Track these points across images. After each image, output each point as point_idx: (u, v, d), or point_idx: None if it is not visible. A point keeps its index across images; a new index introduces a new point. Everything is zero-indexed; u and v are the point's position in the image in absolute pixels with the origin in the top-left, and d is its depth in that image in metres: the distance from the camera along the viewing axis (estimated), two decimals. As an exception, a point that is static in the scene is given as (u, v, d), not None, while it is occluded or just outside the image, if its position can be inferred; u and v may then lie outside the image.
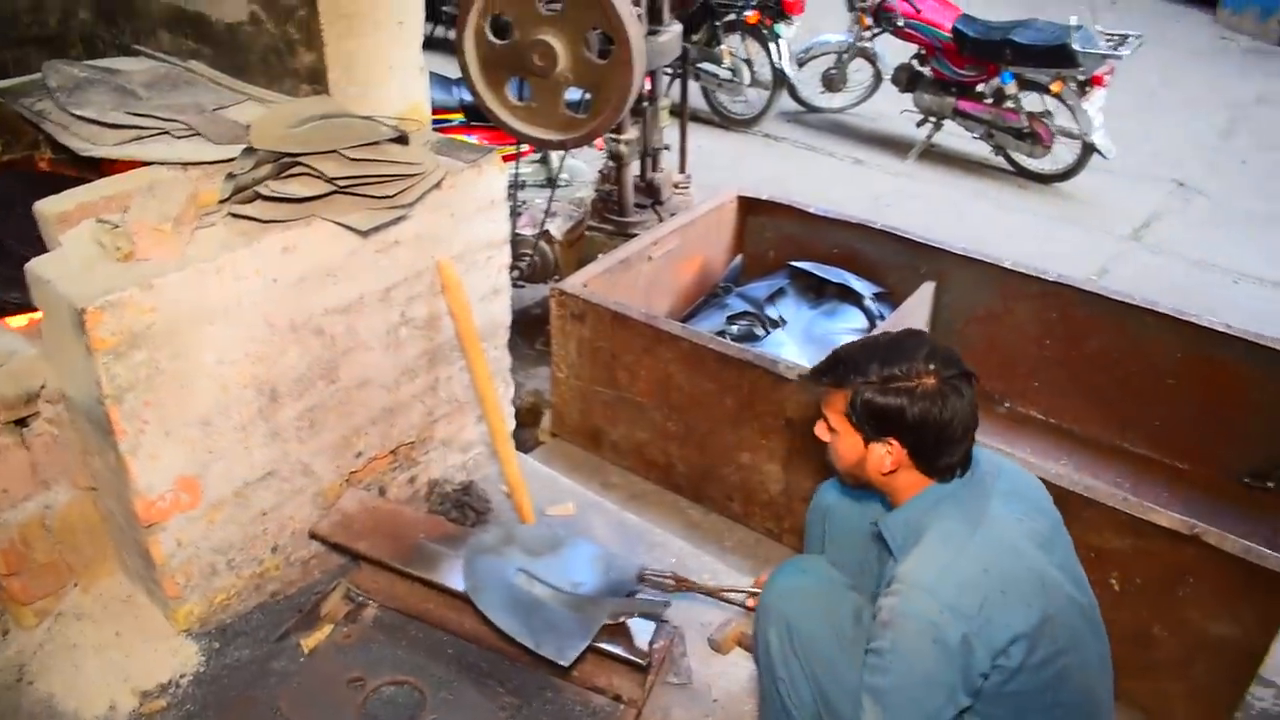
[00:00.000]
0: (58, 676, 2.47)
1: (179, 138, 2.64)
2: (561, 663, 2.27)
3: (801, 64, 7.14)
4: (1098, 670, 1.92)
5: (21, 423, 2.41)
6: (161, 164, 2.54)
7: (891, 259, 3.82)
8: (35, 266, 2.26)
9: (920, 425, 1.78)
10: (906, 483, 1.87)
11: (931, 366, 1.78)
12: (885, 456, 1.84)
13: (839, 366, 1.88)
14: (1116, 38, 5.90)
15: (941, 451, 1.82)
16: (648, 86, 3.84)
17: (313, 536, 2.65)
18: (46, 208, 2.39)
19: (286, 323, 2.40)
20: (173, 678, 2.47)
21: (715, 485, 3.18)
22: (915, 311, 3.62)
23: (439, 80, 4.31)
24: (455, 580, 2.46)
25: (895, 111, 6.94)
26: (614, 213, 4.03)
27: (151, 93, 2.87)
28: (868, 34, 6.85)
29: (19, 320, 2.58)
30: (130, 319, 2.13)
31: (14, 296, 2.49)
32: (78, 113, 2.69)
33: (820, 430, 1.96)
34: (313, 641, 2.57)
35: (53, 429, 2.45)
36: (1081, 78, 5.86)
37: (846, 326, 3.68)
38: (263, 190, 2.40)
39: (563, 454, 3.38)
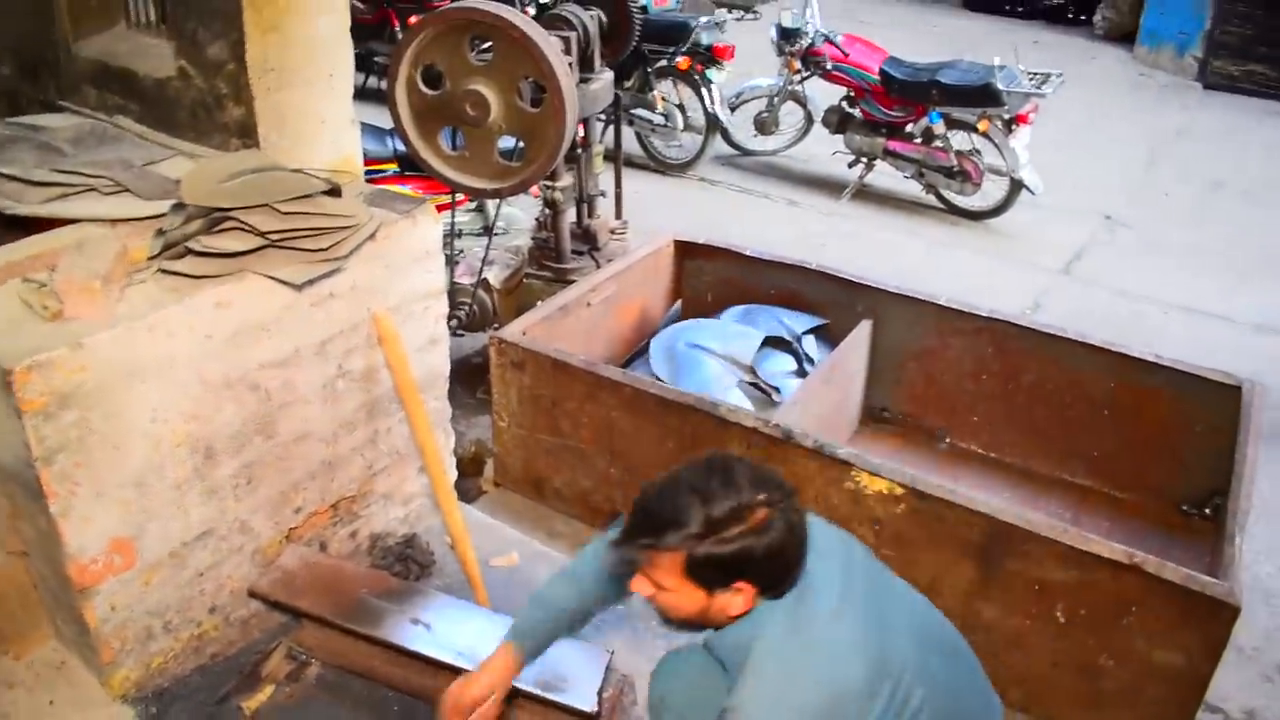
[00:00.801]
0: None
1: (106, 194, 2.61)
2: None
3: (734, 108, 7.25)
4: (966, 689, 1.92)
5: (-57, 490, 2.35)
6: (89, 221, 2.50)
7: (829, 298, 3.88)
8: (-42, 328, 2.22)
9: (767, 561, 1.66)
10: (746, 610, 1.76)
11: (758, 496, 1.66)
12: (735, 600, 1.70)
13: (655, 524, 1.68)
14: (1039, 76, 6.07)
15: (787, 575, 1.72)
16: (581, 133, 3.88)
17: (252, 595, 2.60)
18: (-30, 268, 2.34)
19: (221, 379, 2.37)
20: (109, 748, 2.41)
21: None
22: (853, 350, 3.67)
23: (372, 131, 4.31)
24: (399, 635, 2.43)
25: (827, 153, 7.07)
26: (551, 260, 4.04)
27: (78, 149, 2.84)
28: (797, 78, 6.98)
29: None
30: (60, 379, 2.09)
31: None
32: (1, 170, 2.66)
33: (642, 587, 1.77)
34: (254, 703, 2.51)
35: (-21, 494, 2.38)
36: (1007, 116, 6.02)
37: (781, 370, 3.71)
38: (194, 246, 2.38)
39: (506, 503, 3.36)
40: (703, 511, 1.64)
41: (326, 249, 2.46)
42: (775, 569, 1.70)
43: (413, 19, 7.35)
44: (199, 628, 2.56)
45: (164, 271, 2.37)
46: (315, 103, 2.89)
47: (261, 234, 2.39)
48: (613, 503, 3.23)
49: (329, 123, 2.94)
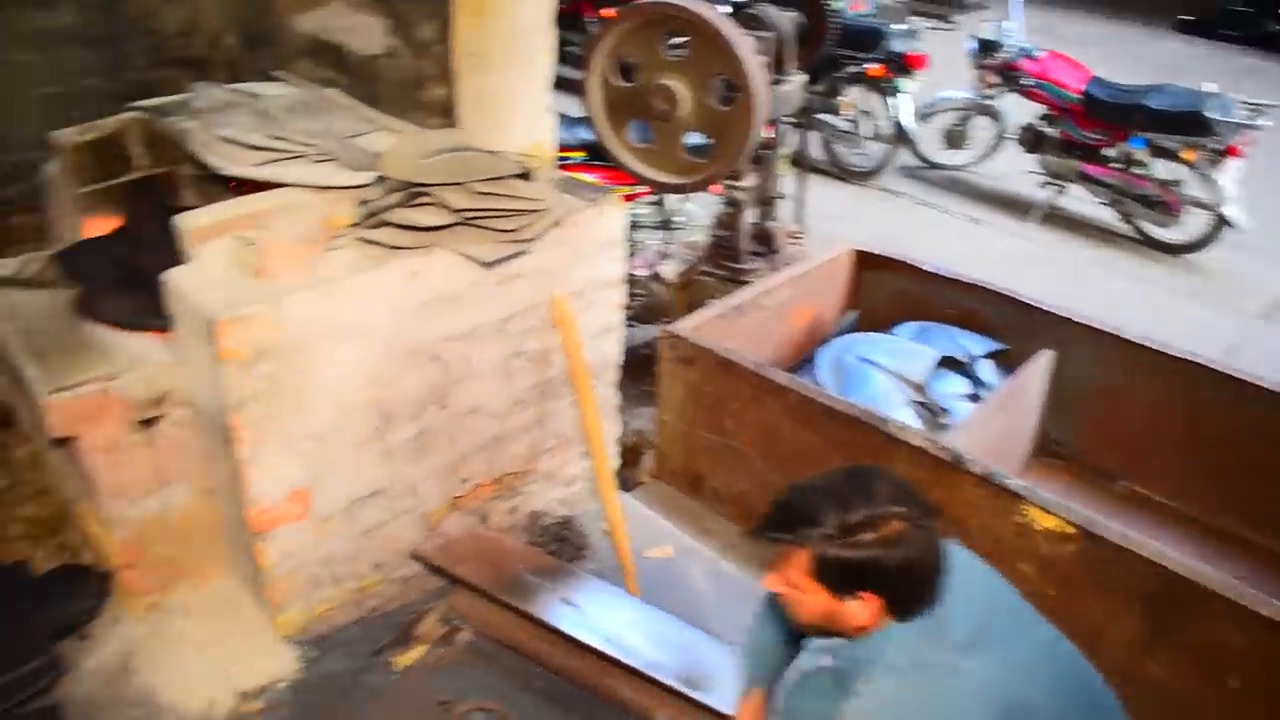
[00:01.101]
0: (162, 669, 2.55)
1: (314, 162, 2.73)
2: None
3: (923, 119, 7.07)
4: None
5: (149, 423, 2.52)
6: (297, 186, 2.63)
7: (1009, 322, 3.73)
8: (172, 276, 2.37)
9: (897, 575, 1.64)
10: (871, 624, 1.72)
11: (895, 508, 1.63)
12: (861, 610, 1.67)
13: (792, 520, 1.68)
14: (1256, 107, 5.71)
15: (918, 597, 1.67)
16: (768, 135, 3.85)
17: (414, 557, 2.69)
18: (186, 222, 2.49)
19: (406, 347, 2.46)
20: (270, 681, 2.53)
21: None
22: (1032, 379, 3.53)
23: (562, 118, 4.39)
24: (550, 613, 2.47)
25: (1017, 171, 6.82)
26: (727, 259, 4.04)
27: (290, 118, 2.98)
28: (992, 92, 6.75)
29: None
30: (258, 333, 2.21)
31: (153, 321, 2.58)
32: (221, 133, 2.82)
33: (775, 584, 1.76)
34: (406, 660, 2.60)
35: (177, 432, 2.54)
36: (1216, 147, 5.68)
37: (953, 392, 3.60)
38: (391, 218, 2.47)
39: (662, 496, 3.37)
40: (837, 514, 1.63)
41: (515, 230, 2.51)
42: (904, 586, 1.67)
43: (605, 10, 7.45)
44: (362, 581, 2.67)
45: (362, 240, 2.47)
46: (514, 88, 2.96)
47: (455, 211, 2.46)
48: (769, 507, 3.19)
49: (526, 108, 3.01)
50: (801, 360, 3.85)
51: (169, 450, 2.56)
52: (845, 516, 1.63)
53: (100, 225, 3.08)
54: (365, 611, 2.72)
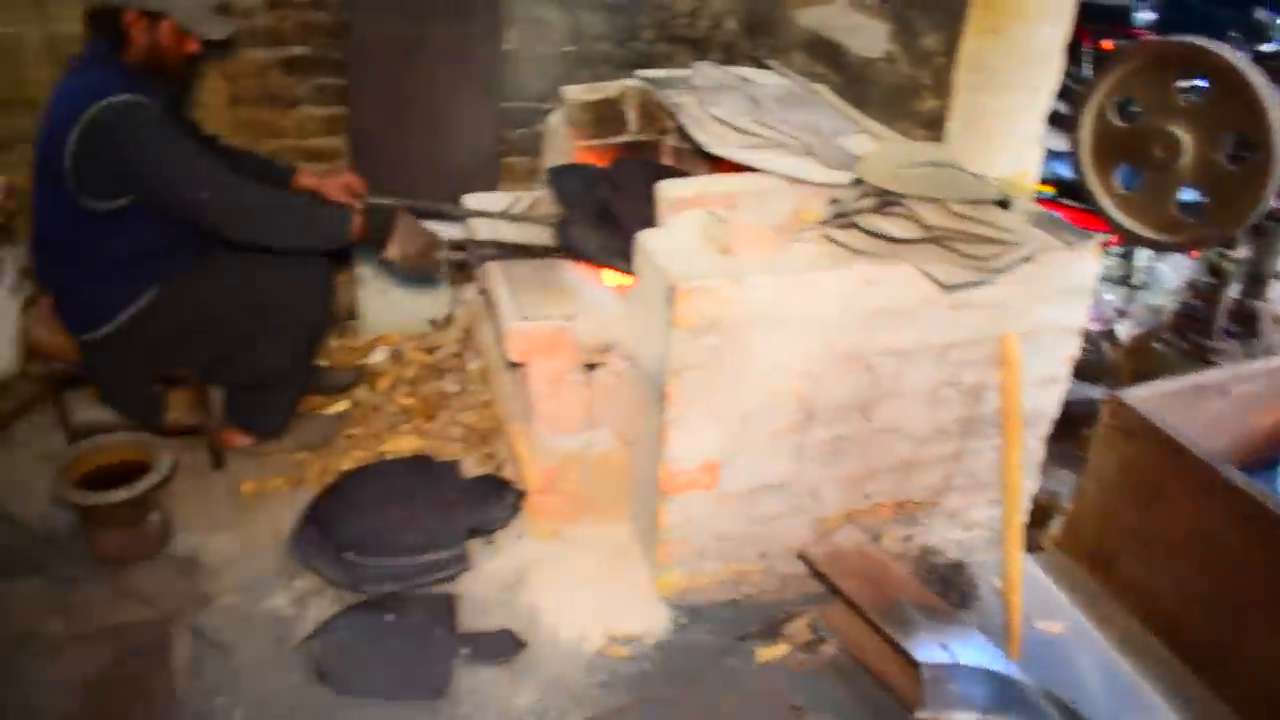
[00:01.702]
0: (549, 592, 2.74)
1: (795, 154, 2.78)
2: None
3: None
4: None
5: (591, 367, 2.71)
6: (775, 175, 2.68)
7: None
8: (644, 238, 2.51)
9: None
10: None
11: None
12: None
13: None
14: None
15: None
16: (1277, 205, 3.43)
17: (801, 557, 2.69)
18: (666, 190, 2.62)
19: (844, 350, 2.45)
20: (641, 633, 2.64)
21: (1233, 672, 2.75)
22: None
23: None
24: (924, 654, 2.37)
25: None
26: (1196, 333, 3.65)
27: (778, 107, 3.05)
28: None
29: (612, 279, 2.87)
30: (713, 306, 2.29)
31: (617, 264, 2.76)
32: (712, 112, 2.94)
33: None
34: (768, 655, 2.61)
35: (613, 381, 2.71)
36: None
37: None
38: (860, 222, 2.46)
39: (1063, 568, 3.13)
40: None
41: (984, 258, 2.41)
42: None
43: (1104, 41, 6.99)
44: (744, 565, 2.71)
45: (827, 238, 2.48)
46: (1011, 111, 2.84)
47: (926, 227, 2.40)
48: (1184, 616, 2.87)
49: (1017, 134, 2.88)
50: (1261, 464, 3.41)
51: (602, 396, 2.74)
52: None
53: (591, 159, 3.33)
54: (739, 595, 2.76)
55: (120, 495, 2.73)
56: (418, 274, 3.01)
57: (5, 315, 3.32)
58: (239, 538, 2.95)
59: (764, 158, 2.73)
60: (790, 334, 2.39)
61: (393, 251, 2.84)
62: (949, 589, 2.75)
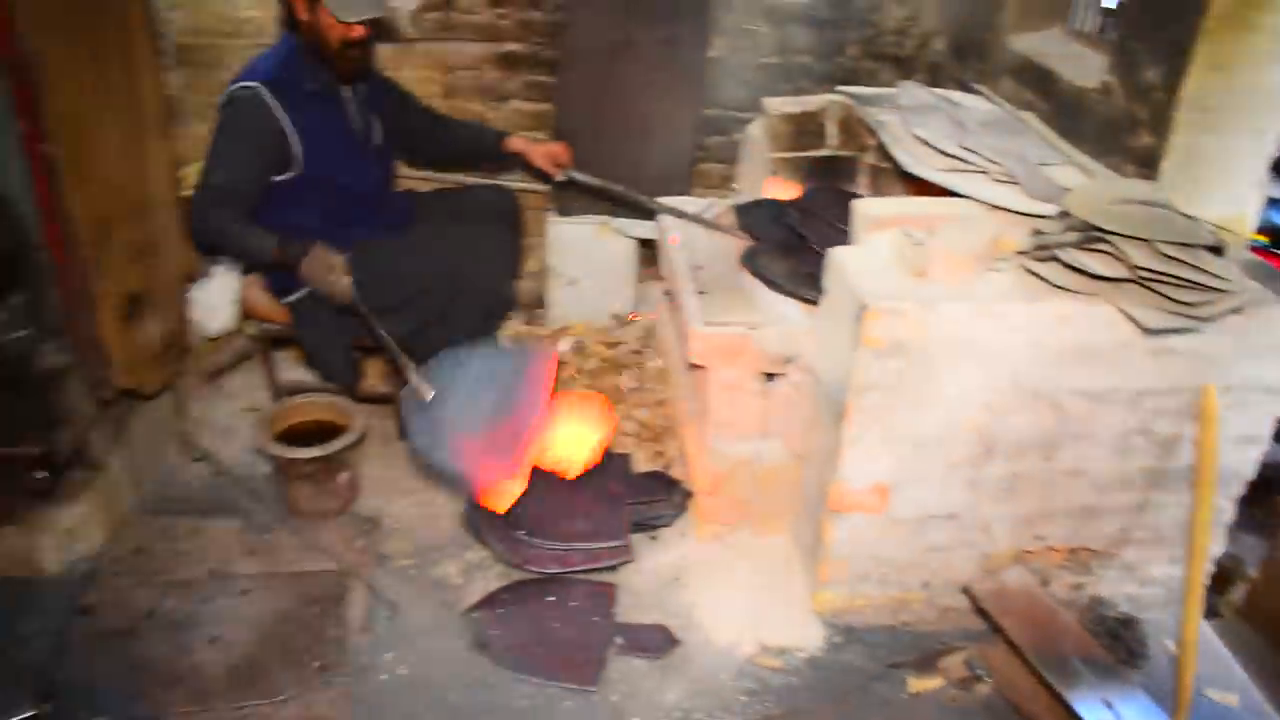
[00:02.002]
0: (706, 594, 2.78)
1: (997, 181, 2.72)
2: None
3: None
4: None
5: (770, 377, 2.73)
6: (974, 201, 2.64)
7: None
8: (838, 253, 2.51)
9: None
10: None
11: None
12: None
13: None
14: None
15: None
16: None
17: (965, 592, 2.64)
18: (863, 208, 2.62)
19: (1032, 387, 2.39)
20: (793, 647, 2.65)
21: None
22: None
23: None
24: (1085, 708, 2.30)
25: None
26: None
27: (983, 132, 2.99)
28: None
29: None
30: (902, 328, 2.28)
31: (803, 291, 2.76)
32: (916, 132, 2.91)
33: None
34: (920, 686, 2.58)
35: (791, 393, 2.73)
36: None
37: None
38: (1062, 256, 2.40)
39: (1242, 639, 2.96)
40: None
41: (1190, 304, 2.31)
42: None
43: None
44: (905, 593, 2.68)
45: (1025, 269, 2.43)
46: (1232, 154, 2.71)
47: (1132, 267, 2.32)
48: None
49: (1236, 177, 2.74)
50: None
51: (778, 406, 2.76)
52: None
53: (780, 188, 3.35)
54: (896, 622, 2.73)
55: (315, 453, 2.92)
56: (324, 293, 2.96)
57: (227, 276, 3.59)
58: (418, 505, 3.10)
59: (966, 183, 2.69)
60: (977, 364, 2.35)
61: (302, 271, 2.87)
62: (1117, 644, 2.65)
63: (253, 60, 3.01)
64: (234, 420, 3.49)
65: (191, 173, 3.50)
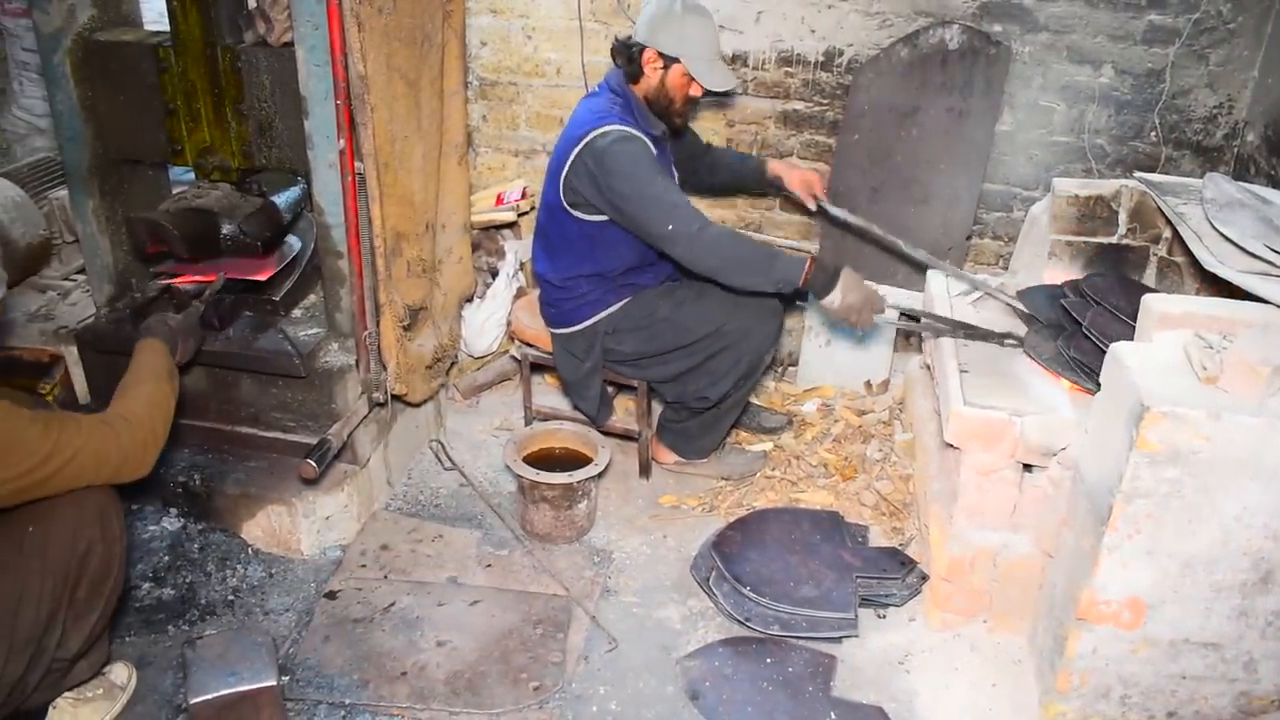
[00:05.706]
0: (930, 683, 2.66)
1: (1308, 288, 2.51)
2: None
3: None
4: None
5: (1028, 468, 2.60)
6: (1278, 308, 2.44)
7: None
8: (1120, 348, 2.37)
9: None
10: None
11: None
12: None
13: None
14: None
15: None
16: None
17: (1220, 730, 2.42)
18: (1153, 303, 2.46)
19: (1325, 516, 2.17)
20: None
21: None
22: None
23: None
24: None
25: None
26: None
27: (1299, 232, 2.77)
28: None
29: (1064, 383, 2.74)
30: (1184, 437, 2.12)
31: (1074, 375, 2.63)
32: (1219, 229, 2.72)
33: None
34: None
35: (1049, 487, 2.59)
36: None
37: None
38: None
39: None
40: None
41: None
42: None
43: None
44: (1150, 717, 2.48)
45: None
46: None
47: None
48: None
49: None
50: None
51: (1033, 499, 2.63)
52: None
53: (1059, 272, 3.20)
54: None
55: (559, 479, 3.03)
56: (851, 325, 3.04)
57: (500, 299, 3.80)
58: (649, 545, 3.16)
59: (1269, 287, 2.49)
60: (1264, 485, 2.15)
61: (833, 299, 2.91)
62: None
63: (589, 106, 3.11)
64: (486, 437, 3.68)
65: (481, 197, 3.74)
